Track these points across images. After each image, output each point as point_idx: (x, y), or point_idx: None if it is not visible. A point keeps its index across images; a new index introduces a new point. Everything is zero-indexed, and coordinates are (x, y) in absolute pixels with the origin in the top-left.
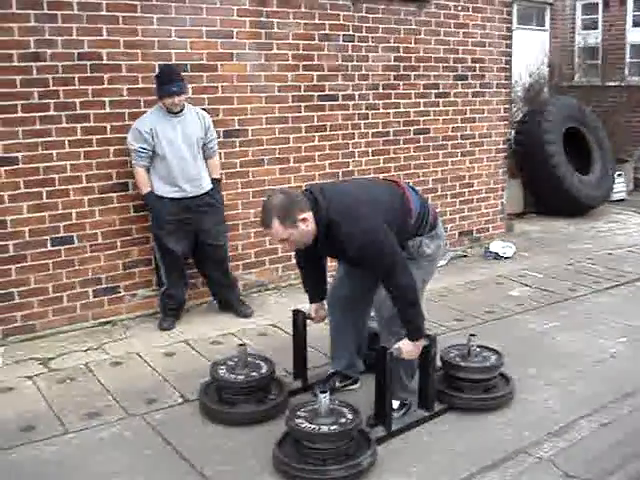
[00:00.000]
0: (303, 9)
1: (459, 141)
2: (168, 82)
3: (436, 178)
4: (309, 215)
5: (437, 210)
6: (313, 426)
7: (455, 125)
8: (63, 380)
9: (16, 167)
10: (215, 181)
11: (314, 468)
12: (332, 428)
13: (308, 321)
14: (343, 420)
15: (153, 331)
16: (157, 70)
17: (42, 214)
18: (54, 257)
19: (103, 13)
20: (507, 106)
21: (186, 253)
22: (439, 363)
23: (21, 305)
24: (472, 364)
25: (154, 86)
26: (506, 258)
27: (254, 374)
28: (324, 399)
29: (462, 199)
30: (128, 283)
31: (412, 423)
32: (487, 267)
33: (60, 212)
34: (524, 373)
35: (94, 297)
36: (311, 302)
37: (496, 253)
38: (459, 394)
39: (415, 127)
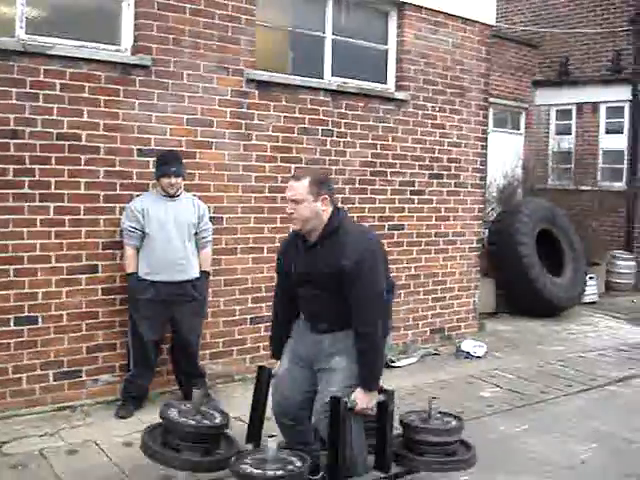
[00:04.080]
0: (284, 102)
1: (433, 238)
2: (167, 163)
3: (409, 274)
4: (330, 206)
5: (409, 306)
6: (258, 471)
7: (429, 222)
8: (15, 466)
9: None
10: (204, 273)
11: None
12: (278, 473)
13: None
14: (290, 467)
15: (113, 418)
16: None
17: (7, 292)
18: (16, 337)
19: (85, 95)
20: (481, 206)
21: (158, 340)
22: (399, 428)
23: None
24: (432, 426)
25: (131, 169)
26: (477, 357)
27: (206, 422)
28: (271, 444)
29: (434, 296)
30: (91, 367)
31: None
32: (458, 366)
33: (26, 291)
34: (493, 479)
35: (54, 380)
36: (275, 357)
37: (467, 352)
38: (418, 457)
39: (390, 223)
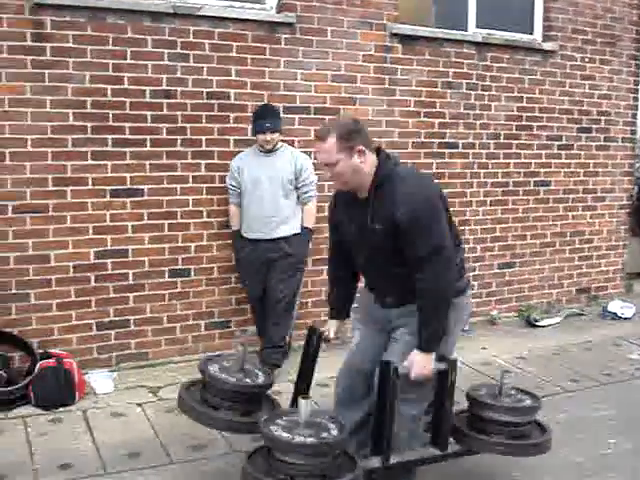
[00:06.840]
0: (427, 56)
1: (580, 195)
2: (262, 118)
3: (555, 232)
4: (368, 154)
5: (554, 265)
6: (286, 435)
7: (577, 178)
8: (171, 410)
9: (141, 199)
10: (305, 230)
11: None
12: (308, 441)
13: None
14: (324, 434)
15: None
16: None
17: (162, 246)
18: (170, 288)
19: (233, 54)
20: (632, 161)
21: (261, 297)
22: (465, 403)
23: (136, 333)
24: (500, 404)
25: None
26: (625, 319)
27: (247, 381)
28: (304, 407)
29: (581, 255)
30: (239, 319)
31: (416, 460)
32: (604, 327)
33: (179, 245)
34: None
35: (206, 330)
36: (334, 317)
37: (614, 313)
38: (481, 437)
39: (535, 179)
